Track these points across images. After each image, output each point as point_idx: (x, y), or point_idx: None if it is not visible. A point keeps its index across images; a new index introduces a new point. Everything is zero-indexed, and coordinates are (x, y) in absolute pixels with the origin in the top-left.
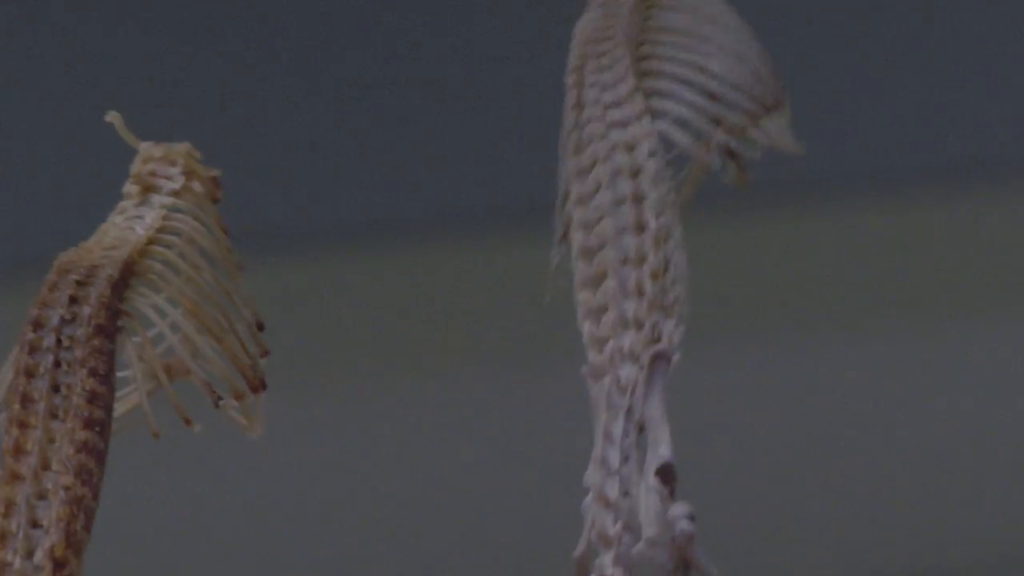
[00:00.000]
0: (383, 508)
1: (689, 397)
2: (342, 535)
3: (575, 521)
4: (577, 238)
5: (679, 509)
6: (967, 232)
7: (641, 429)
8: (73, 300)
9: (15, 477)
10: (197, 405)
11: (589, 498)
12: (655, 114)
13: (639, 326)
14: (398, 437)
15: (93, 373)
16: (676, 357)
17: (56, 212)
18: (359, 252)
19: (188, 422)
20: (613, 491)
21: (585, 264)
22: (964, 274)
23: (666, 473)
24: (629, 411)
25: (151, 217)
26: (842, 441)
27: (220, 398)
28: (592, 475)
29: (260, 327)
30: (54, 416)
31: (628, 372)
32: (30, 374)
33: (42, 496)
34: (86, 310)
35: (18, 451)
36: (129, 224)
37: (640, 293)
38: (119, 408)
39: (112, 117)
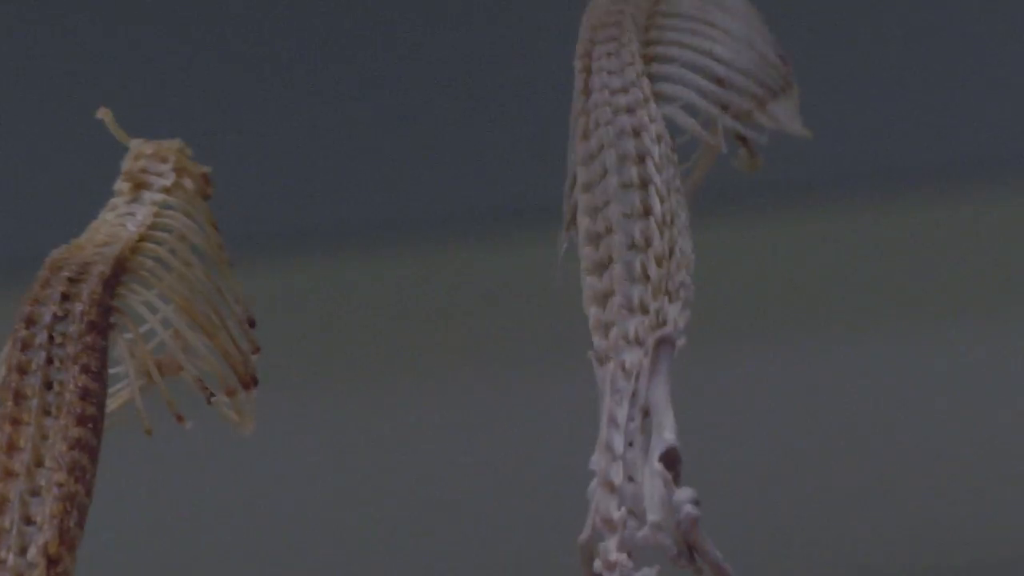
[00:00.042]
0: (383, 508)
1: (689, 397)
2: (342, 535)
3: (575, 522)
4: (584, 223)
5: (684, 494)
6: (968, 233)
7: (646, 414)
8: (65, 297)
9: (8, 474)
10: (189, 402)
11: (594, 483)
12: (662, 99)
13: (644, 310)
14: (398, 437)
15: (85, 370)
16: (681, 341)
17: (47, 209)
18: (359, 253)
19: (180, 419)
20: (617, 476)
21: (591, 249)
22: (965, 275)
23: (670, 458)
24: (634, 396)
25: (142, 214)
26: (842, 441)
27: (212, 394)
28: (597, 460)
29: (251, 323)
30: (47, 413)
31: (633, 357)
32: (23, 371)
33: (35, 493)
34: (78, 307)
35: (11, 448)
36: (121, 221)
37: (645, 278)
38: (111, 404)
39: (102, 113)
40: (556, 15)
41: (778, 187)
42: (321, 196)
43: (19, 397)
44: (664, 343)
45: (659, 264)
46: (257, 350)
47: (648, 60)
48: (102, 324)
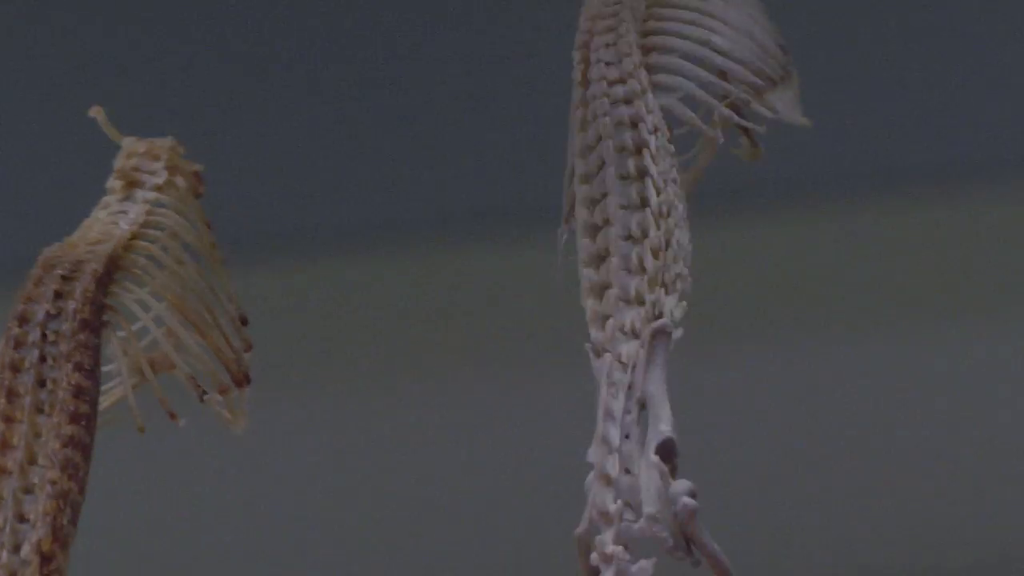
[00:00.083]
0: (382, 508)
1: (689, 396)
2: (341, 535)
3: (574, 518)
4: (582, 215)
5: (680, 486)
6: (967, 233)
7: (642, 406)
8: (58, 295)
9: (1, 471)
10: (182, 399)
11: (591, 476)
12: (661, 89)
13: (640, 302)
14: (397, 436)
15: (78, 368)
16: (678, 333)
17: (40, 208)
18: (358, 253)
19: (173, 416)
20: (614, 468)
21: (589, 241)
22: (965, 274)
23: (667, 450)
24: (630, 388)
25: (135, 212)
26: (842, 440)
27: (205, 392)
28: (593, 453)
29: (244, 321)
30: (40, 411)
31: (629, 348)
32: (16, 369)
33: (28, 490)
34: (71, 305)
35: (4, 446)
36: (113, 219)
37: (642, 269)
38: (104, 402)
39: (95, 112)
40: (556, 15)
41: (778, 186)
42: (321, 197)
43: (12, 395)
44: (660, 335)
45: (655, 256)
46: (249, 348)
47: (647, 51)
48: (95, 322)
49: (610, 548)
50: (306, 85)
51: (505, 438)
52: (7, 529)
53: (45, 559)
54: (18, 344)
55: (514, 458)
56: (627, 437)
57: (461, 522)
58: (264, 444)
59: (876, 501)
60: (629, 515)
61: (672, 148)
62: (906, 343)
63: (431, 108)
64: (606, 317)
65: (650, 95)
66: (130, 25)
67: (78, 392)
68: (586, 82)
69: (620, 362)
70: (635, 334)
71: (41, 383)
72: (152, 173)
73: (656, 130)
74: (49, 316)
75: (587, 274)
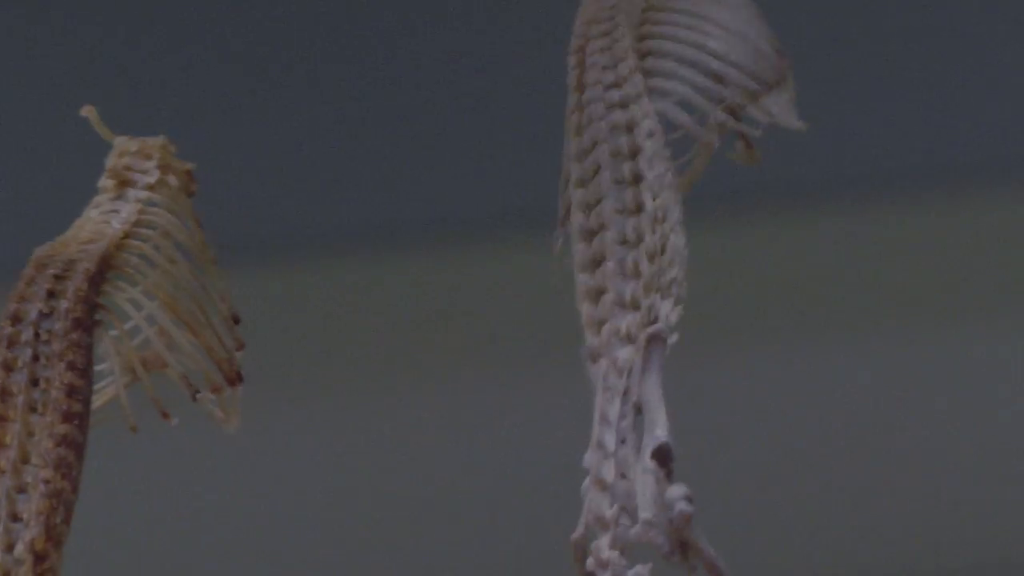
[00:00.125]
0: (380, 510)
1: (689, 398)
2: (337, 538)
3: (571, 522)
4: (577, 219)
5: (676, 491)
6: (967, 234)
7: (638, 411)
8: (51, 294)
9: None
10: (175, 398)
11: (587, 481)
12: (655, 94)
13: (636, 307)
14: (395, 439)
15: (71, 367)
16: (673, 338)
17: (32, 207)
18: (357, 256)
19: (165, 415)
20: (609, 474)
21: (585, 245)
22: (964, 276)
23: (662, 455)
24: (626, 393)
25: (127, 211)
26: (843, 443)
27: (197, 391)
28: (589, 458)
29: (236, 320)
30: (33, 410)
31: (625, 354)
32: (8, 368)
33: (22, 490)
34: (64, 304)
35: None
36: (105, 218)
37: (637, 274)
38: (96, 401)
39: (87, 111)
40: (557, 18)
41: (777, 188)
42: (320, 199)
43: (5, 394)
44: (655, 339)
45: (651, 260)
46: (242, 347)
47: (642, 55)
48: (87, 321)
49: (606, 553)
50: (306, 88)
51: (503, 441)
52: (1, 528)
53: (39, 558)
54: (11, 343)
55: (512, 461)
56: (623, 442)
57: (458, 525)
58: (260, 445)
59: (876, 503)
60: (625, 520)
61: (668, 152)
62: (905, 345)
63: (430, 111)
64: (602, 322)
65: (645, 99)
66: (127, 26)
67: (71, 391)
68: (581, 87)
69: (616, 367)
70: (631, 339)
71: (34, 382)
72: (144, 172)
73: (651, 134)
74: (42, 315)
75: (582, 279)
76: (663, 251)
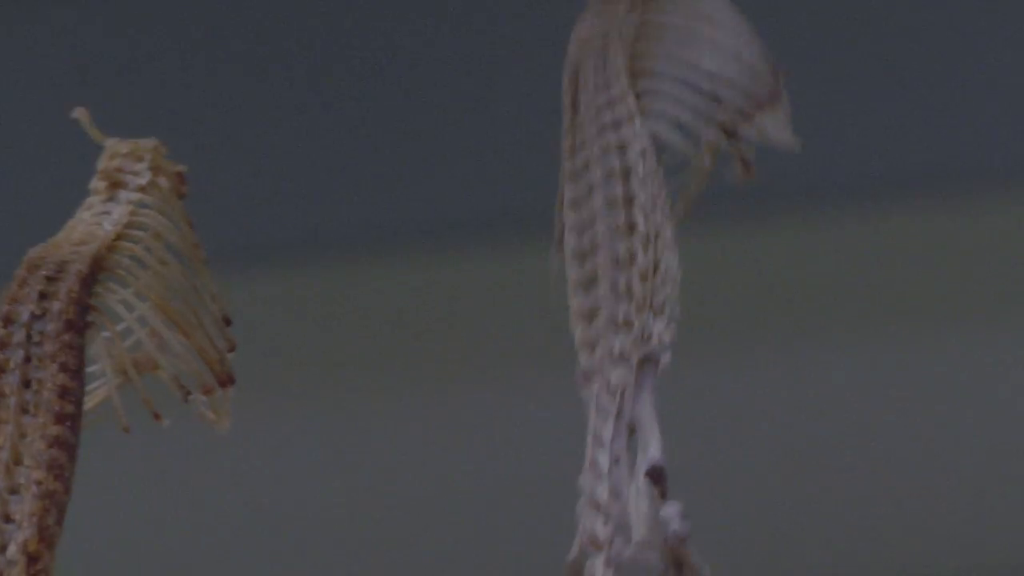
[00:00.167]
0: (377, 513)
1: (688, 405)
2: (333, 540)
3: (566, 537)
4: (570, 241)
5: (670, 509)
6: (967, 239)
7: (632, 431)
8: (43, 295)
9: None
10: (167, 400)
11: (582, 502)
12: (648, 114)
13: (628, 327)
14: (392, 445)
15: (64, 368)
16: (666, 358)
17: (24, 209)
18: (356, 261)
19: (157, 416)
20: (603, 494)
21: (578, 267)
22: (964, 281)
23: (656, 475)
24: (619, 413)
25: (119, 213)
26: (840, 447)
27: (189, 393)
28: (584, 479)
29: (227, 322)
30: (25, 411)
31: (618, 374)
32: (1, 370)
33: (14, 491)
34: (56, 305)
35: None
36: (97, 220)
37: (630, 295)
38: (89, 403)
39: (78, 113)
40: (557, 21)
41: (776, 194)
42: (316, 202)
43: None
44: (648, 360)
45: (643, 280)
46: (233, 348)
47: (635, 75)
48: (79, 322)
49: (600, 574)
50: (303, 90)
51: (499, 444)
52: None
53: (32, 559)
54: (3, 345)
55: (509, 465)
56: (616, 463)
57: (453, 531)
58: (253, 447)
59: (874, 507)
60: (619, 541)
61: (661, 173)
62: (905, 349)
63: (429, 114)
64: (595, 343)
65: (638, 120)
66: (121, 27)
67: (63, 393)
68: (575, 107)
69: (608, 388)
70: (624, 359)
71: (26, 384)
72: (135, 174)
73: (644, 155)
74: (34, 317)
75: (576, 300)
76: (656, 271)
